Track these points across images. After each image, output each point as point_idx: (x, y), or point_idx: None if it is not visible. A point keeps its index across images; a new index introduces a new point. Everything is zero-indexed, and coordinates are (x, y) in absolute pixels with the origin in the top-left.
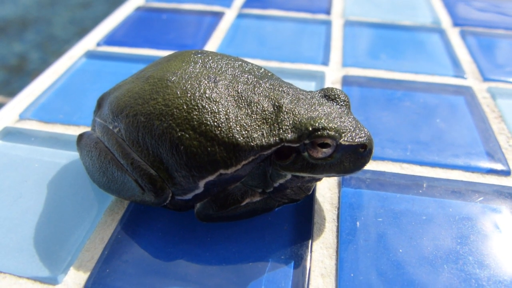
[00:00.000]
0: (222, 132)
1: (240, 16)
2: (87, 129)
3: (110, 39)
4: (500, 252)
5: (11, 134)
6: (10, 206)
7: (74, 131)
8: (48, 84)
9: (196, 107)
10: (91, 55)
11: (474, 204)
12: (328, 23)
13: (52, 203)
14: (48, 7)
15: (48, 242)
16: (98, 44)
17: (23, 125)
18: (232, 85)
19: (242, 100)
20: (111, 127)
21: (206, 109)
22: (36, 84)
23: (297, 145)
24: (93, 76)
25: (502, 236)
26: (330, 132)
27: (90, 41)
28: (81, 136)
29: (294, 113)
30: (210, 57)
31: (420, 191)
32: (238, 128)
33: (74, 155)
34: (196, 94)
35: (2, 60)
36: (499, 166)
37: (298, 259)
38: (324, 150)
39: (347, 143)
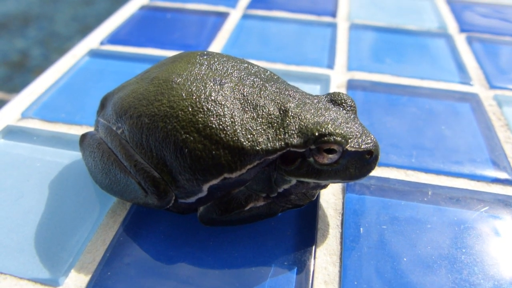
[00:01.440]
0: (227, 135)
1: (245, 16)
2: (90, 128)
3: (114, 38)
4: (505, 263)
5: (13, 133)
6: (12, 206)
7: (77, 130)
8: (51, 82)
9: (201, 110)
10: (94, 53)
11: (479, 213)
12: (333, 26)
13: (54, 204)
14: (50, 3)
15: (49, 243)
16: (102, 43)
17: (25, 123)
18: (237, 88)
19: (248, 103)
20: (114, 128)
21: (212, 111)
22: (39, 82)
23: (303, 150)
24: (96, 75)
25: (507, 246)
26: (336, 138)
27: (94, 40)
28: (84, 136)
29: (300, 117)
30: (215, 59)
31: (425, 198)
32: (243, 132)
33: (76, 155)
34: (202, 97)
35: (4, 56)
36: (504, 175)
37: (301, 265)
38: (330, 156)
39: (353, 149)
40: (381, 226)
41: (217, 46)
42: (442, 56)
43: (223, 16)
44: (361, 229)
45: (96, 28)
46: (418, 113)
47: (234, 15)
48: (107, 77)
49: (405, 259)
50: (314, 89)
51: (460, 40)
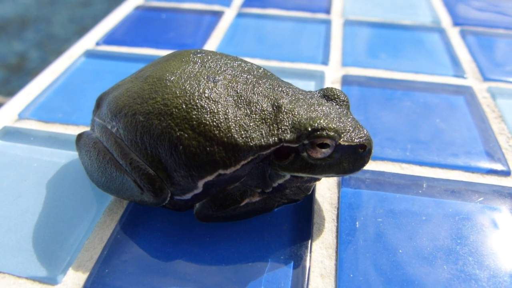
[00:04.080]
0: (221, 132)
1: (240, 15)
2: (86, 128)
3: (109, 39)
4: (500, 253)
5: (10, 134)
6: (9, 205)
7: (73, 130)
8: (47, 83)
9: (195, 107)
10: (90, 54)
11: (474, 204)
12: (327, 22)
13: (51, 203)
14: (47, 6)
15: (47, 242)
16: (97, 44)
17: (22, 124)
18: (231, 85)
19: (241, 100)
20: (109, 127)
21: (205, 108)
22: (35, 83)
23: (296, 145)
24: (92, 75)
25: (502, 237)
26: (329, 133)
27: (89, 41)
28: (80, 136)
29: (293, 113)
30: (209, 57)
31: (420, 191)
32: (237, 128)
33: (73, 154)
34: (195, 94)
35: (1, 59)
36: (499, 167)
37: (298, 259)
38: (323, 150)
39: (346, 144)
40: (377, 219)
41: (212, 45)
42: (436, 50)
43: (217, 15)
44: (357, 222)
45: (92, 29)
46: (413, 107)
47: (229, 14)
48: (103, 77)
49: (401, 251)
50: (309, 86)
51: (454, 34)
